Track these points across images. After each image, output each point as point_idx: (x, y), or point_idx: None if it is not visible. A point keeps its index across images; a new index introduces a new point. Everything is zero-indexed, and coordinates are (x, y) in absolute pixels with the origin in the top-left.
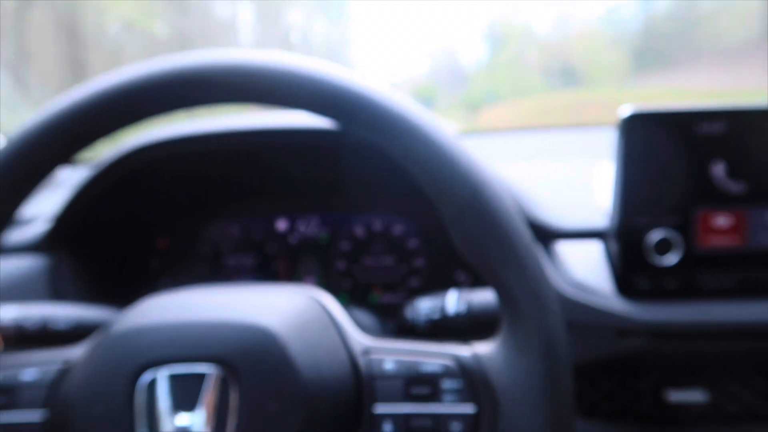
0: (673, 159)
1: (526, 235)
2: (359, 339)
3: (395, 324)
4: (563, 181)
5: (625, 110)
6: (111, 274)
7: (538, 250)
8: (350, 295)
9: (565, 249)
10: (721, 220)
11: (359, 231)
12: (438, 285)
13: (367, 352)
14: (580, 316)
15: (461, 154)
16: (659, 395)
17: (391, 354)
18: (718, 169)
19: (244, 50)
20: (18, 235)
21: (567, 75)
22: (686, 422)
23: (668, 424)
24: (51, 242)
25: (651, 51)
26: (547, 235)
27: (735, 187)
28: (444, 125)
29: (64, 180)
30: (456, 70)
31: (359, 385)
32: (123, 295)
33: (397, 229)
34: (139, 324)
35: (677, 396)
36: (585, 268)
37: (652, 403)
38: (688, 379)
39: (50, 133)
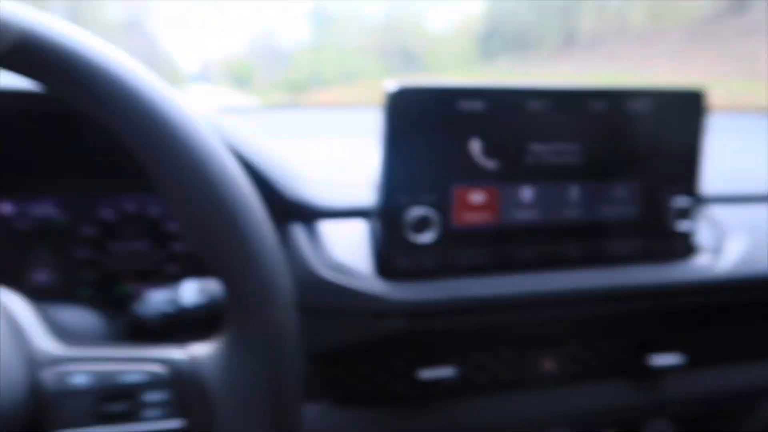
0: (433, 136)
1: (256, 215)
2: (45, 347)
3: (125, 321)
4: (337, 159)
5: (390, 85)
6: None
7: (273, 231)
8: (94, 286)
9: (328, 228)
10: (476, 197)
11: (107, 213)
12: (201, 272)
13: (54, 362)
14: (337, 299)
15: (183, 122)
16: (412, 375)
17: (85, 363)
18: (475, 147)
19: None
20: None
21: (406, 59)
22: (437, 397)
23: (421, 402)
24: None
25: (498, 37)
26: (308, 214)
27: (490, 164)
28: (167, 89)
29: None
30: (276, 50)
31: (38, 407)
32: None
33: (154, 210)
34: None
35: (428, 373)
36: (347, 248)
37: (406, 383)
38: (442, 356)
39: None
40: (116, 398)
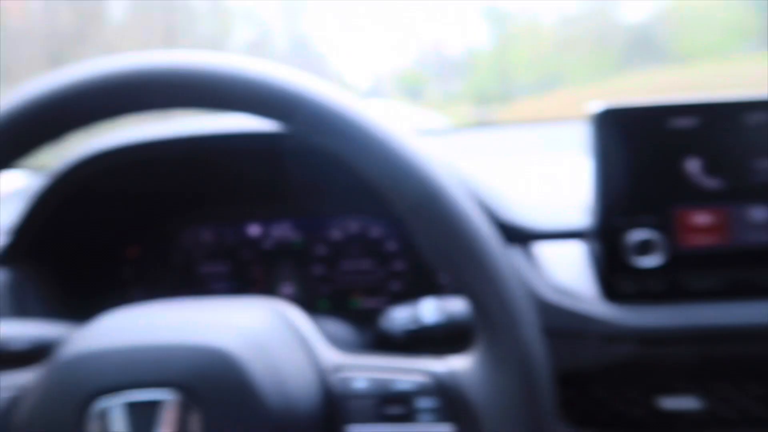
0: (647, 156)
1: (494, 240)
2: (328, 355)
3: (372, 334)
4: (539, 178)
5: (596, 106)
6: (79, 287)
7: (509, 255)
8: (330, 300)
9: (544, 251)
10: (701, 219)
11: (335, 234)
12: (421, 288)
13: (337, 369)
14: (565, 323)
15: (413, 153)
16: (652, 402)
17: (363, 371)
18: (693, 166)
19: (170, 53)
20: None
21: (636, 52)
22: (682, 429)
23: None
24: (12, 256)
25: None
26: (524, 237)
27: (713, 183)
28: (393, 122)
29: (23, 189)
30: (448, 58)
31: (329, 406)
32: (95, 309)
33: (375, 231)
34: (90, 347)
35: (671, 403)
36: (566, 270)
37: (645, 410)
38: (681, 385)
39: None
40: (393, 402)
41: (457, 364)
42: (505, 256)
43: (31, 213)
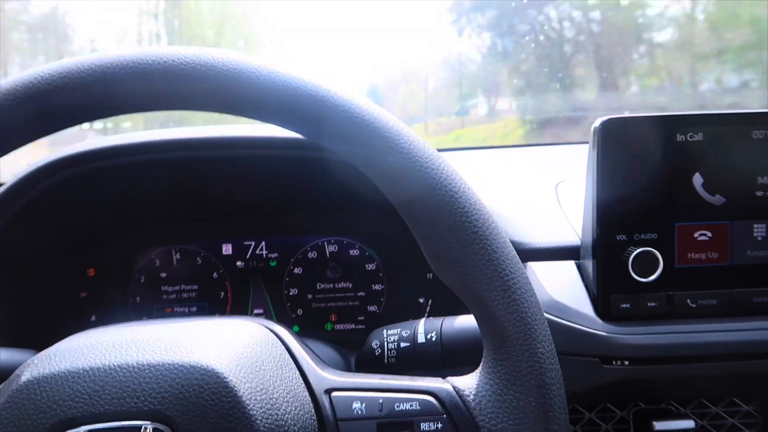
0: (650, 170)
1: (513, 254)
2: (322, 375)
3: (358, 355)
4: (530, 197)
5: (600, 120)
6: (38, 312)
7: (523, 270)
8: (304, 323)
9: (538, 269)
10: (702, 235)
11: (312, 254)
12: (397, 311)
13: (331, 390)
14: (562, 342)
15: (441, 167)
16: (645, 425)
17: (359, 391)
18: (697, 181)
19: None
20: None
21: None
22: None
23: None
24: None
25: None
26: (520, 256)
27: (715, 199)
28: (418, 136)
29: None
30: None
31: (324, 430)
32: (52, 334)
33: (354, 252)
34: (54, 370)
35: (664, 426)
36: (561, 289)
37: None
38: (676, 407)
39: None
40: (395, 426)
41: (463, 383)
42: (522, 269)
43: None
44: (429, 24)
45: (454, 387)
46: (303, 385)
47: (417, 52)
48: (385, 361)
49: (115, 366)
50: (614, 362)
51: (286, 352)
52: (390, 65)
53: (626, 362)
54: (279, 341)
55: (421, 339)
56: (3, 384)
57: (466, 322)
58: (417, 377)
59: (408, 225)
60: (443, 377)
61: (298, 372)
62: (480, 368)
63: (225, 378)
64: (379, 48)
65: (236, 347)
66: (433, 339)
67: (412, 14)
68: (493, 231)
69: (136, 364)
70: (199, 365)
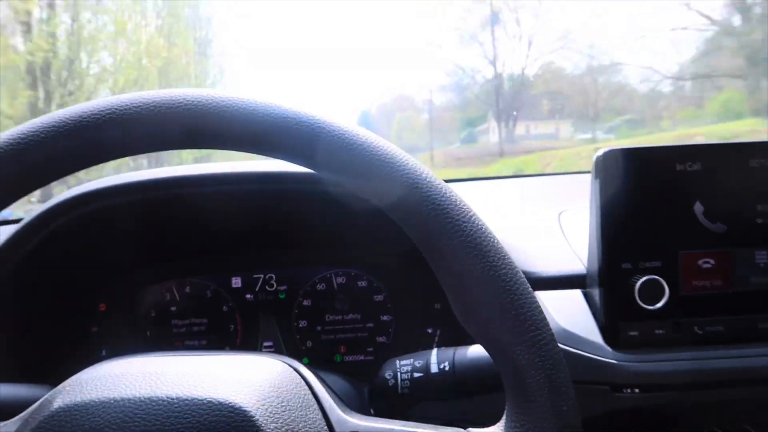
0: (652, 200)
1: (538, 306)
2: (344, 418)
3: (370, 386)
4: (534, 227)
5: (602, 150)
6: (48, 347)
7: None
8: (314, 355)
9: (545, 298)
10: (705, 263)
11: (321, 286)
12: (406, 342)
13: None
14: (571, 371)
15: (473, 220)
16: None
17: None
18: (699, 209)
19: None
20: None
21: None
22: None
23: None
24: None
25: None
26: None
27: (717, 227)
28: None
29: None
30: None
31: None
32: (64, 370)
33: (362, 283)
34: (86, 399)
35: None
36: (569, 318)
37: None
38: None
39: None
40: None
41: None
42: (547, 323)
43: None
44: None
45: None
46: (326, 427)
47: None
48: (399, 391)
49: (145, 398)
50: (624, 390)
51: (309, 391)
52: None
53: (637, 390)
54: (302, 380)
55: (434, 369)
56: (30, 411)
57: (479, 351)
58: (439, 427)
59: (433, 270)
60: (462, 416)
61: (320, 413)
62: (503, 421)
63: (252, 416)
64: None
65: (263, 385)
66: (447, 369)
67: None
68: (520, 287)
69: (166, 397)
70: (228, 402)
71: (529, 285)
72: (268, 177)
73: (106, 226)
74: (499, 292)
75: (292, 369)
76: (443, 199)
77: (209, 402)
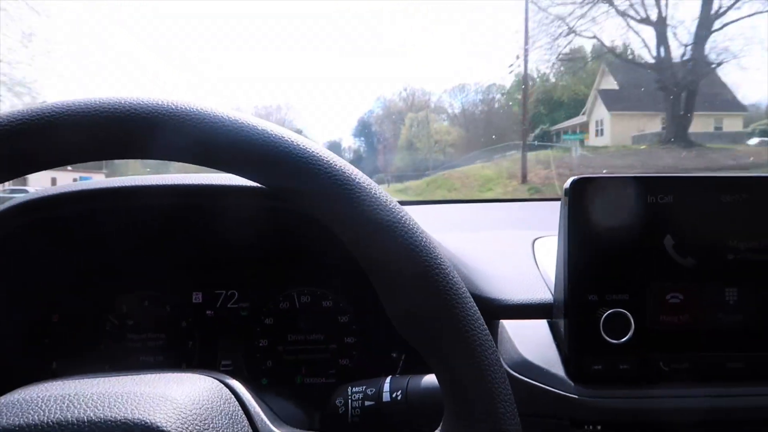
0: (619, 230)
1: (477, 315)
2: (274, 431)
3: (321, 411)
4: (505, 253)
5: (571, 179)
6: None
7: (487, 332)
8: (273, 375)
9: (508, 326)
10: (673, 297)
11: (284, 305)
12: (369, 365)
13: None
14: (531, 404)
15: (404, 221)
16: None
17: None
18: (668, 242)
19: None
20: None
21: None
22: None
23: None
24: None
25: None
26: (490, 313)
27: (686, 262)
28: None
29: None
30: None
31: None
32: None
33: (327, 303)
34: (9, 423)
35: None
36: (532, 349)
37: None
38: None
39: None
40: None
41: None
42: (487, 333)
43: None
44: None
45: None
46: None
47: None
48: (349, 420)
49: (54, 422)
50: (585, 426)
51: (239, 408)
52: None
53: (599, 427)
54: (233, 397)
55: (386, 398)
56: None
57: (433, 381)
58: None
59: (367, 274)
60: None
61: (251, 429)
62: (440, 428)
63: None
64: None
65: (185, 403)
66: (399, 398)
67: None
68: (460, 294)
69: (76, 421)
70: (143, 422)
71: (465, 289)
72: (231, 191)
73: (63, 235)
74: (433, 295)
75: (222, 385)
76: (374, 199)
77: (123, 422)
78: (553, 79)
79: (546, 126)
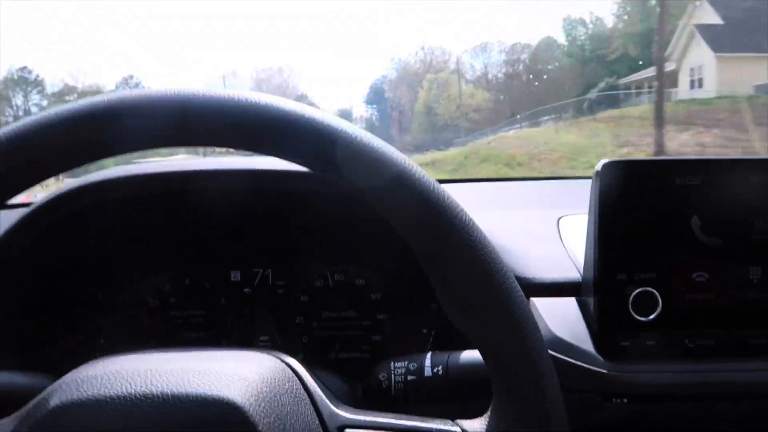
0: (649, 212)
1: (523, 299)
2: (335, 412)
3: (363, 385)
4: (531, 231)
5: (602, 162)
6: (47, 334)
7: (530, 310)
8: (309, 351)
9: (540, 305)
10: (699, 276)
11: (319, 282)
12: (401, 341)
13: (344, 427)
14: (563, 379)
15: (453, 208)
16: None
17: (371, 429)
18: (695, 223)
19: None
20: None
21: None
22: None
23: None
24: None
25: None
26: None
27: (712, 241)
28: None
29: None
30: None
31: None
32: (61, 358)
33: (359, 281)
34: (82, 397)
35: None
36: (562, 326)
37: None
38: None
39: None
40: None
41: (471, 427)
42: (532, 315)
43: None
44: None
45: (463, 430)
46: (317, 421)
47: None
48: (393, 393)
49: (140, 395)
50: (614, 399)
51: (301, 386)
52: None
53: (625, 399)
54: (294, 375)
55: (428, 372)
56: (27, 409)
57: (472, 357)
58: (428, 419)
59: (421, 262)
60: (452, 418)
61: (312, 407)
62: (489, 412)
63: (245, 411)
64: None
65: (256, 381)
66: (440, 373)
67: None
68: (506, 278)
69: (161, 395)
70: (222, 398)
71: (515, 279)
72: (270, 174)
73: (109, 217)
74: (483, 284)
75: (284, 364)
76: (431, 193)
77: (203, 398)
78: (609, 25)
79: (612, 80)
